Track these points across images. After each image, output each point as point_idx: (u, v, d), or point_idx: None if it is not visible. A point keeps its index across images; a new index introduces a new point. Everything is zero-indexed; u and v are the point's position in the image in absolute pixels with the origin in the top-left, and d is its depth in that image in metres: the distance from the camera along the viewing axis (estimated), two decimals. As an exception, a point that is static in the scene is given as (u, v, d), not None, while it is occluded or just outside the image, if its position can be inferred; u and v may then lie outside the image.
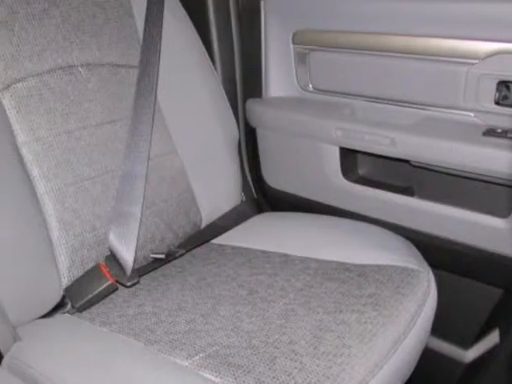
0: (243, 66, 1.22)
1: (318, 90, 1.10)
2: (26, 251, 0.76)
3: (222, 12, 1.17)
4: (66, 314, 0.81)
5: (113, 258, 0.84)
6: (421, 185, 1.01)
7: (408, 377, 0.80)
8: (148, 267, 0.90)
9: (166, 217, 0.94)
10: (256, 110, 1.16)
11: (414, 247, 0.92)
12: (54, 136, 0.83)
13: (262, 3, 1.09)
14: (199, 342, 0.70)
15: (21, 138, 0.80)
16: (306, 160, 1.10)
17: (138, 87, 0.91)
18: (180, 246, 0.96)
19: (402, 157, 0.95)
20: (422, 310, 0.79)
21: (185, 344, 0.70)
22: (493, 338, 1.08)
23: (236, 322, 0.74)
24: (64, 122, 0.84)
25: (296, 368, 0.65)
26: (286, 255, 0.91)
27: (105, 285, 0.81)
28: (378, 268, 0.84)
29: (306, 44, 1.07)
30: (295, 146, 1.10)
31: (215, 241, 1.01)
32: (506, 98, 0.85)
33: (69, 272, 0.82)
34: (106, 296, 0.83)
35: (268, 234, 1.01)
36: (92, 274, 0.83)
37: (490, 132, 0.86)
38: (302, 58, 1.09)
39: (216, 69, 1.17)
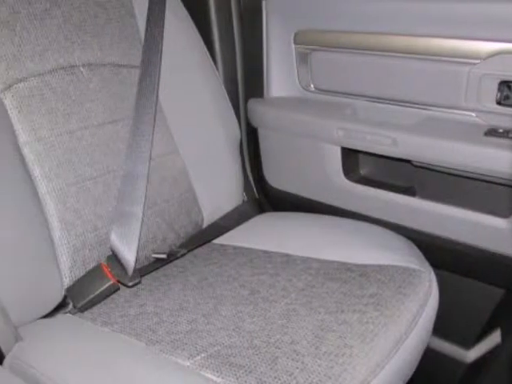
0: (245, 66, 1.21)
1: (319, 90, 1.10)
2: (27, 251, 0.76)
3: (224, 12, 1.17)
4: (68, 314, 0.81)
5: (114, 258, 0.84)
6: (422, 185, 1.01)
7: (410, 377, 0.80)
8: (150, 267, 0.90)
9: (168, 217, 0.94)
10: (258, 109, 1.15)
11: (415, 247, 0.92)
12: (56, 136, 0.83)
13: (263, 3, 1.09)
14: (201, 342, 0.70)
15: (22, 138, 0.80)
16: (307, 160, 1.09)
17: (139, 87, 0.91)
18: (182, 246, 0.96)
19: (404, 157, 0.95)
20: (424, 310, 0.79)
21: (186, 344, 0.70)
22: (494, 338, 1.08)
23: (238, 322, 0.74)
24: (66, 122, 0.84)
25: (298, 368, 0.65)
26: (287, 255, 0.91)
27: (106, 285, 0.81)
28: (380, 268, 0.84)
29: (307, 44, 1.07)
30: (297, 146, 1.10)
31: (217, 241, 1.01)
32: (507, 97, 0.85)
33: (70, 272, 0.82)
34: (107, 296, 0.83)
35: (270, 234, 1.01)
36: (94, 274, 0.83)
37: (492, 132, 0.86)
38: (303, 58, 1.09)
39: (218, 69, 1.17)
